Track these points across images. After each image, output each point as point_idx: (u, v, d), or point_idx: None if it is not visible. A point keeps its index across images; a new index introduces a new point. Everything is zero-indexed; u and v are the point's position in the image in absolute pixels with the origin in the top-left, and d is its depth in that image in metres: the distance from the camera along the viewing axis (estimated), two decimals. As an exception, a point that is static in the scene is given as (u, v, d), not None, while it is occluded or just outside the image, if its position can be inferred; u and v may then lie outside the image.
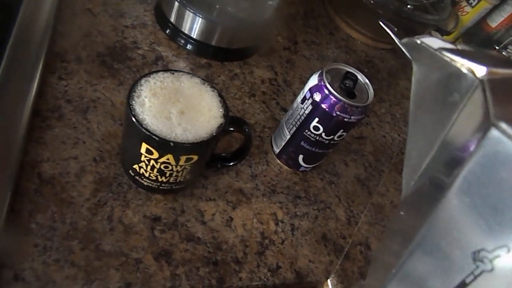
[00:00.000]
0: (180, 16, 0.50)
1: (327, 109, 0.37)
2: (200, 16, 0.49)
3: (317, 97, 0.38)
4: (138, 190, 0.37)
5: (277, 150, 0.45)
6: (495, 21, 0.75)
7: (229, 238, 0.38)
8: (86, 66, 0.43)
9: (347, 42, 0.69)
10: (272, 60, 0.57)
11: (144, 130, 0.30)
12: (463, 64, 0.18)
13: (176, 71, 0.34)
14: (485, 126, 0.15)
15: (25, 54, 0.39)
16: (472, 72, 0.18)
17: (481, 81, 0.18)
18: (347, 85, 0.38)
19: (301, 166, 0.44)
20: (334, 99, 0.37)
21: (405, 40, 0.22)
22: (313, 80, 0.39)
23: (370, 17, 0.69)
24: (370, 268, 0.27)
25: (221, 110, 0.34)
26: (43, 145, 0.36)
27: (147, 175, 0.34)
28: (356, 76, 0.39)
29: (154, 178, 0.34)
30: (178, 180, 0.35)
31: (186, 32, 0.51)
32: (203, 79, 0.35)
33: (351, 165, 0.50)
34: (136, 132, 0.30)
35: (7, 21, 0.40)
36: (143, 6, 0.53)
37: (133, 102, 0.31)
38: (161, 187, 0.36)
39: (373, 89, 0.39)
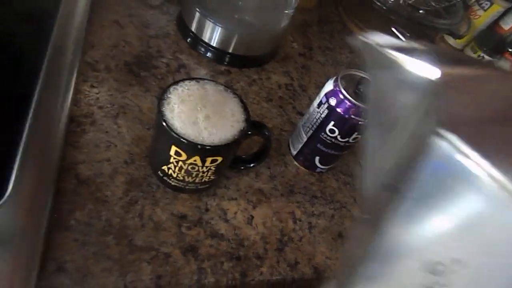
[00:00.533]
0: (201, 26, 0.53)
1: (342, 113, 0.39)
2: (220, 25, 0.52)
3: (333, 101, 0.40)
4: (166, 190, 0.40)
5: (294, 152, 0.47)
6: (508, 24, 0.76)
7: (250, 235, 0.40)
8: (115, 74, 0.47)
9: (360, 47, 0.70)
10: (288, 66, 0.60)
11: (175, 134, 0.32)
12: (415, 65, 0.17)
13: (201, 79, 0.37)
14: (434, 134, 0.15)
15: (61, 65, 0.43)
16: (425, 73, 0.16)
17: (434, 83, 0.16)
18: (361, 90, 0.40)
19: (317, 167, 0.46)
20: (349, 103, 0.39)
21: (350, 39, 0.20)
22: (329, 86, 0.41)
23: (383, 22, 0.71)
24: (339, 268, 0.25)
25: (243, 115, 0.36)
26: (79, 149, 0.39)
27: (175, 175, 0.37)
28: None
29: (182, 178, 0.37)
30: (203, 180, 0.38)
31: (206, 40, 0.54)
32: (225, 86, 0.38)
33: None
34: (167, 136, 0.33)
35: (43, 36, 0.43)
36: (165, 17, 0.56)
37: (164, 108, 0.34)
38: (187, 187, 0.38)
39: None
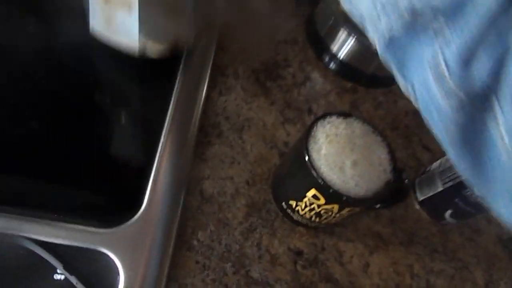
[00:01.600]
0: (332, 33, 0.49)
1: (502, 176, 0.34)
2: (354, 36, 0.47)
3: (493, 160, 0.34)
4: (284, 220, 0.38)
5: (420, 197, 0.42)
6: None
7: (365, 285, 0.37)
8: (242, 82, 0.45)
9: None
10: (417, 89, 0.53)
11: (320, 179, 0.30)
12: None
13: (347, 115, 0.34)
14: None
15: (194, 68, 0.41)
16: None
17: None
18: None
19: (445, 220, 0.41)
20: (514, 167, 0.33)
21: None
22: (490, 140, 0.35)
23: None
24: None
25: (390, 164, 0.32)
26: (205, 162, 0.38)
27: (301, 213, 0.34)
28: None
29: (308, 217, 0.34)
30: (330, 222, 0.35)
31: (333, 51, 0.50)
32: (373, 126, 0.34)
33: (494, 223, 0.46)
34: (309, 177, 0.30)
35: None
36: (295, 19, 0.52)
37: (310, 147, 0.31)
38: (308, 225, 0.36)
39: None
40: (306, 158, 0.30)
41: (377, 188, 0.31)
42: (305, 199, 0.32)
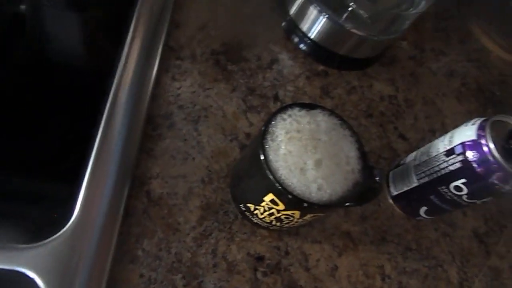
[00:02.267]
0: (302, 10, 0.44)
1: (482, 174, 0.31)
2: (326, 15, 0.42)
3: (472, 156, 0.31)
4: (244, 222, 0.34)
5: (394, 193, 0.39)
6: None
7: (332, 291, 0.34)
8: (200, 66, 0.39)
9: (480, 54, 0.58)
10: (394, 72, 0.49)
11: (277, 184, 0.26)
12: None
13: (312, 106, 0.29)
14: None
15: (142, 48, 0.36)
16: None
17: None
18: (512, 146, 0.31)
19: (420, 216, 0.38)
20: (495, 165, 0.30)
21: None
22: (470, 132, 0.32)
23: (516, 27, 0.58)
24: None
25: (359, 163, 0.29)
26: (153, 158, 0.34)
27: (260, 216, 0.31)
28: (525, 136, 0.31)
29: (268, 221, 0.31)
30: (291, 226, 0.31)
31: (303, 29, 0.45)
32: (341, 119, 0.30)
33: (469, 216, 0.43)
34: (267, 181, 0.26)
35: (124, 12, 0.37)
36: (262, -7, 0.47)
37: (267, 145, 0.27)
38: (269, 228, 0.32)
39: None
40: (262, 159, 0.26)
41: (343, 191, 0.27)
42: (263, 204, 0.28)
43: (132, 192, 0.32)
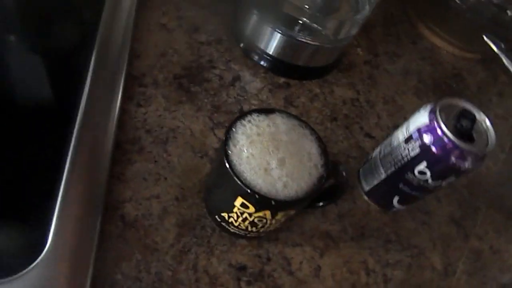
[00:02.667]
0: (257, 30, 0.46)
1: (439, 154, 0.32)
2: (280, 31, 0.45)
3: (428, 139, 0.33)
4: (222, 234, 0.34)
5: (367, 188, 0.40)
6: None
7: (318, 291, 0.34)
8: (163, 90, 0.41)
9: (432, 52, 0.61)
10: (353, 77, 0.52)
11: (244, 186, 0.26)
12: None
13: (270, 111, 0.31)
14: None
15: (105, 80, 0.37)
16: None
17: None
18: (464, 125, 0.32)
19: (394, 207, 0.39)
20: (449, 144, 0.32)
21: None
22: (423, 118, 0.33)
23: (460, 24, 0.62)
24: None
25: (321, 158, 0.30)
26: (125, 183, 0.34)
27: (236, 224, 0.31)
28: (474, 115, 0.33)
29: (244, 228, 0.31)
30: (268, 230, 0.32)
31: (261, 47, 0.47)
32: (299, 120, 0.31)
33: (444, 202, 0.45)
34: (233, 186, 0.27)
35: (86, 45, 0.38)
36: (218, 18, 0.49)
37: (230, 151, 0.28)
38: (248, 235, 0.33)
39: (495, 132, 0.33)
40: (226, 164, 0.27)
41: (309, 186, 0.28)
42: (235, 209, 0.29)
43: (106, 217, 0.32)
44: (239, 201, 0.28)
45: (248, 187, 0.26)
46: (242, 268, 0.33)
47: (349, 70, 0.53)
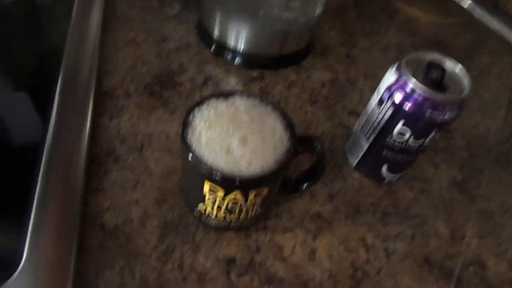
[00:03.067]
0: (224, 30, 0.47)
1: (413, 110, 0.31)
2: (245, 25, 0.45)
3: (399, 96, 0.31)
4: (207, 230, 0.33)
5: (354, 162, 0.39)
6: None
7: (315, 274, 0.32)
8: (135, 99, 0.41)
9: (410, 23, 0.60)
10: (329, 59, 0.51)
11: (205, 168, 0.26)
12: None
13: (229, 94, 0.30)
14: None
15: (74, 99, 0.38)
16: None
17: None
18: (433, 76, 0.31)
19: (386, 177, 0.38)
20: (421, 97, 0.30)
21: None
22: (390, 77, 0.32)
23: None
24: None
25: (286, 131, 0.29)
26: (102, 193, 0.34)
27: (214, 215, 0.30)
28: (443, 64, 0.32)
29: (223, 217, 0.30)
30: (248, 216, 0.31)
31: (231, 46, 0.47)
32: (260, 98, 0.31)
33: (442, 167, 0.43)
34: (197, 171, 0.26)
35: (52, 68, 0.39)
36: (184, 26, 0.50)
37: (188, 137, 0.27)
38: (231, 225, 0.32)
39: (470, 76, 0.32)
40: (186, 150, 0.26)
41: (274, 161, 0.27)
42: (207, 197, 0.28)
43: (86, 229, 0.31)
44: (206, 186, 0.27)
45: (210, 169, 0.26)
46: (231, 261, 0.32)
47: (325, 54, 0.52)
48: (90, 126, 0.37)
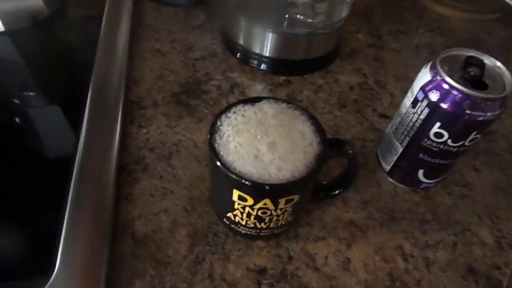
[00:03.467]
0: (249, 36, 0.46)
1: (451, 109, 0.29)
2: (270, 30, 0.45)
3: (434, 96, 0.30)
4: (237, 239, 0.33)
5: (387, 167, 0.37)
6: None
7: (350, 285, 0.31)
8: (163, 109, 0.41)
9: (441, 22, 0.58)
10: (358, 62, 0.50)
11: (233, 176, 0.25)
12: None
13: (256, 99, 0.30)
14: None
15: (104, 109, 0.39)
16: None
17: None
18: (472, 73, 0.29)
19: (422, 182, 0.36)
20: (459, 94, 0.28)
21: None
22: (425, 76, 0.31)
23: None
24: None
25: (316, 135, 0.28)
26: (133, 202, 0.34)
27: (243, 223, 0.29)
28: (482, 60, 0.30)
29: (252, 225, 0.29)
30: (279, 224, 0.30)
31: (257, 51, 0.47)
32: (288, 102, 0.30)
33: (483, 170, 0.40)
34: (225, 179, 0.26)
35: (83, 78, 0.40)
36: (209, 34, 0.50)
37: (216, 144, 0.27)
38: (261, 234, 0.31)
39: (510, 73, 0.30)
40: (214, 157, 0.26)
41: (304, 165, 0.26)
42: (236, 205, 0.28)
43: (117, 237, 0.32)
44: (236, 194, 0.26)
45: (238, 176, 0.25)
46: (262, 271, 0.31)
47: (352, 57, 0.51)
48: (119, 135, 0.37)
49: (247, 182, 0.25)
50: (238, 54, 0.49)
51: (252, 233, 0.31)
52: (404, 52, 0.52)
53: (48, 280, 0.26)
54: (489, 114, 0.29)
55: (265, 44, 0.46)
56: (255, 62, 0.48)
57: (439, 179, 0.36)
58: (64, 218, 0.29)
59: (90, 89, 0.39)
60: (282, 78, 0.46)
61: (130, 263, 0.30)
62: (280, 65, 0.47)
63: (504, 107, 0.29)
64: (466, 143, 0.31)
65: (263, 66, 0.47)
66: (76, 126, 0.36)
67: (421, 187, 0.37)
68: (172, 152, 0.38)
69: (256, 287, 0.30)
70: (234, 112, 0.28)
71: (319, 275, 0.31)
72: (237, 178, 0.25)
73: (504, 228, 0.36)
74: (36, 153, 0.36)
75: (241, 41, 0.48)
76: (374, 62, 0.50)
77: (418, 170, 0.35)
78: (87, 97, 0.38)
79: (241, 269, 0.31)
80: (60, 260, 0.27)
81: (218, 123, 0.28)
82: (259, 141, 0.27)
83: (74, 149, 0.34)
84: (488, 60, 0.30)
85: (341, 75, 0.48)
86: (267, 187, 0.25)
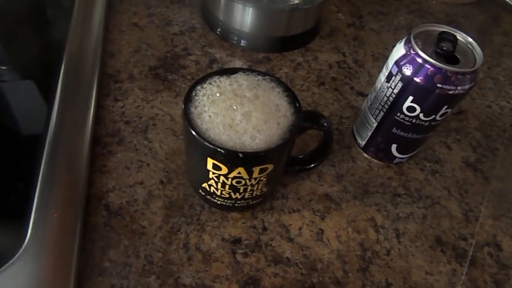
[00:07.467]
0: (229, 11, 0.46)
1: (423, 83, 0.30)
2: (250, 5, 0.44)
3: (408, 70, 0.30)
4: (212, 210, 0.33)
5: (362, 143, 0.38)
6: None
7: (323, 254, 0.32)
8: (140, 83, 0.41)
9: (420, 4, 0.59)
10: (337, 41, 0.50)
11: (207, 144, 0.25)
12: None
13: (232, 70, 0.30)
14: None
15: (78, 82, 0.38)
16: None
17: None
18: (444, 48, 0.30)
19: (395, 157, 0.37)
20: (431, 68, 0.29)
21: None
22: (399, 50, 0.31)
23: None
24: None
25: (291, 106, 0.28)
26: (107, 174, 0.34)
27: (218, 193, 0.30)
28: (455, 36, 0.31)
29: (227, 195, 0.30)
30: (254, 195, 0.30)
31: (237, 27, 0.47)
32: (264, 74, 0.30)
33: (455, 148, 0.41)
34: (199, 147, 0.26)
35: (57, 51, 0.39)
36: (188, 9, 0.50)
37: (191, 114, 0.27)
38: (236, 204, 0.31)
39: (480, 48, 0.30)
40: (187, 126, 0.26)
41: (279, 135, 0.26)
42: (210, 175, 0.28)
43: (91, 209, 0.31)
44: (210, 163, 0.26)
45: (212, 144, 0.25)
46: (237, 241, 0.32)
47: (332, 36, 0.51)
48: (94, 108, 0.36)
49: (221, 150, 0.25)
50: (218, 30, 0.48)
51: (227, 203, 0.31)
52: (383, 33, 0.53)
53: (19, 249, 0.26)
54: (459, 88, 0.29)
55: (245, 20, 0.46)
56: (235, 38, 0.47)
57: (411, 154, 0.37)
58: (36, 189, 0.29)
59: (63, 61, 0.38)
60: (261, 55, 0.46)
61: (104, 233, 0.30)
62: (260, 42, 0.47)
63: (474, 82, 0.30)
64: (437, 118, 0.32)
65: (242, 42, 0.47)
66: (49, 99, 0.35)
67: (394, 162, 0.38)
68: (149, 126, 0.37)
69: (230, 256, 0.31)
70: (210, 83, 0.28)
71: (293, 245, 0.32)
72: (211, 146, 0.25)
73: (472, 202, 0.37)
74: (8, 126, 0.36)
75: (220, 16, 0.47)
76: (354, 41, 0.50)
77: (391, 145, 0.36)
78: (60, 69, 0.37)
79: (216, 239, 0.31)
80: (32, 230, 0.27)
81: (193, 93, 0.28)
82: (234, 112, 0.27)
83: (47, 121, 0.33)
84: (461, 36, 0.31)
85: (321, 53, 0.48)
86: (240, 155, 0.25)
